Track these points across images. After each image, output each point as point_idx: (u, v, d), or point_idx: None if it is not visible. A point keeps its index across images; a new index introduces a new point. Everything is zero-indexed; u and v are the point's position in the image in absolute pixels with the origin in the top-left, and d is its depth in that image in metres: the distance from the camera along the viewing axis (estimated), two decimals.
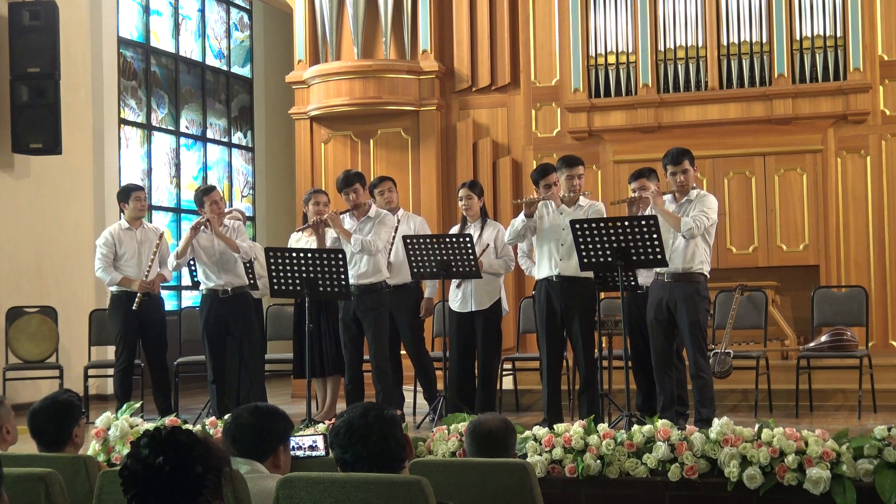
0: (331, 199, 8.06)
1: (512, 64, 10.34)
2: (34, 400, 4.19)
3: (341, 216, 7.44)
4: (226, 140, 13.39)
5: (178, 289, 12.03)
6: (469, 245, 7.06)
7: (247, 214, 13.64)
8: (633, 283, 6.65)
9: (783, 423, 5.45)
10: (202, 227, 7.62)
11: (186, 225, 12.46)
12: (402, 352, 7.86)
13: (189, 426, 5.72)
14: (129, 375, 8.15)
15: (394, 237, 7.68)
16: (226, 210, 7.99)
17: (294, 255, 6.89)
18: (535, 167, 10.13)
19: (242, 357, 7.69)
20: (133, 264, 8.14)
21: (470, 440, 3.86)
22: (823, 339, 8.00)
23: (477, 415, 6.31)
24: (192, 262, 8.65)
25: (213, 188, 8.00)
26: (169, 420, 6.20)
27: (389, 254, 7.64)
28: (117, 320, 8.14)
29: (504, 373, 8.23)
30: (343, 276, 6.79)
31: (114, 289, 8.20)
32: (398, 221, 7.82)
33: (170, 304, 10.95)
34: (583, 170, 7.06)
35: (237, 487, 2.97)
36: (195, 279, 8.89)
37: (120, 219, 10.52)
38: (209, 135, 13.07)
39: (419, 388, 8.12)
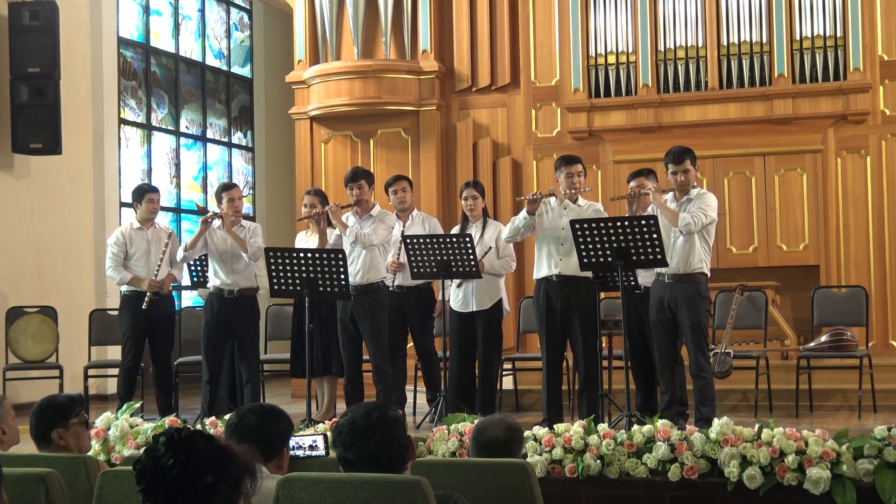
0: (329, 200, 8.05)
1: (512, 64, 10.34)
2: (34, 400, 4.17)
3: (343, 213, 7.45)
4: (226, 140, 13.39)
5: (179, 289, 12.02)
6: (469, 245, 7.06)
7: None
8: (632, 283, 6.66)
9: (783, 423, 5.46)
10: (213, 221, 7.62)
11: (186, 225, 12.47)
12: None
13: (198, 427, 5.72)
14: (134, 375, 8.16)
15: (396, 238, 7.67)
16: (243, 211, 7.96)
17: (294, 255, 6.89)
18: (533, 166, 10.14)
19: (241, 357, 7.68)
20: (143, 264, 8.17)
21: (473, 447, 3.84)
22: (823, 339, 8.00)
23: (477, 414, 6.34)
24: (190, 263, 8.67)
25: (234, 185, 7.99)
26: (169, 420, 6.19)
27: (399, 255, 7.62)
28: (126, 319, 8.16)
29: (504, 373, 8.23)
30: (343, 276, 6.78)
31: (124, 288, 8.24)
32: (412, 221, 7.82)
33: None
34: (581, 168, 7.07)
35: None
36: (195, 279, 8.90)
37: (120, 219, 10.52)
38: (209, 135, 13.07)
39: (420, 388, 8.14)
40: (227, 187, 7.83)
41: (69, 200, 10.43)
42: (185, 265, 8.49)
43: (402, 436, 3.08)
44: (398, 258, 7.60)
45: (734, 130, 9.58)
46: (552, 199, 7.01)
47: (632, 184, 7.11)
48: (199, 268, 8.75)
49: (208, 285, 7.85)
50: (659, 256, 6.25)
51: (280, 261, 6.86)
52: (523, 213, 7.02)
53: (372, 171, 10.21)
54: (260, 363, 8.90)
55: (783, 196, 9.50)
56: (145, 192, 8.40)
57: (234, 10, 13.64)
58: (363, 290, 7.35)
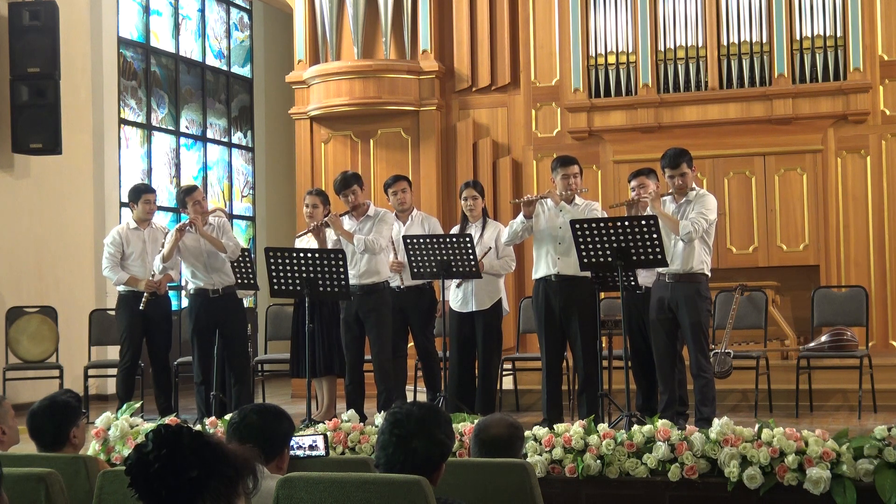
0: (330, 200, 8.05)
1: (512, 64, 10.33)
2: (34, 400, 4.18)
3: (340, 217, 7.44)
4: (226, 140, 13.39)
5: (178, 289, 12.03)
6: (469, 245, 7.06)
7: (247, 214, 13.66)
8: (632, 283, 6.66)
9: (783, 423, 5.46)
10: (187, 229, 7.60)
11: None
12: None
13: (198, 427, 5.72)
14: (133, 375, 8.16)
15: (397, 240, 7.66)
16: (209, 209, 7.94)
17: (294, 255, 6.88)
18: (533, 166, 10.13)
19: (231, 356, 7.66)
20: (139, 264, 8.16)
21: (475, 445, 3.84)
22: (823, 339, 8.00)
23: (477, 414, 6.35)
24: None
25: (195, 188, 7.93)
26: (169, 420, 6.19)
27: (397, 254, 7.62)
28: (123, 320, 8.16)
29: (504, 373, 8.23)
30: (343, 277, 6.78)
31: (121, 288, 8.21)
32: (411, 222, 7.81)
33: None
34: (577, 169, 7.06)
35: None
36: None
37: (120, 219, 10.50)
38: (209, 135, 13.07)
39: (420, 388, 8.14)
40: (189, 191, 7.76)
41: (69, 200, 10.43)
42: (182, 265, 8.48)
43: (433, 462, 3.03)
44: (396, 257, 7.60)
45: (734, 130, 9.58)
46: (548, 199, 7.00)
47: (632, 183, 7.12)
48: None
49: (188, 287, 7.81)
50: (659, 256, 6.25)
51: (280, 261, 6.86)
52: (520, 217, 7.02)
53: (372, 171, 10.26)
54: (258, 363, 8.94)
55: (783, 196, 9.50)
56: (142, 193, 8.38)
57: (234, 10, 13.64)
58: (368, 290, 7.34)
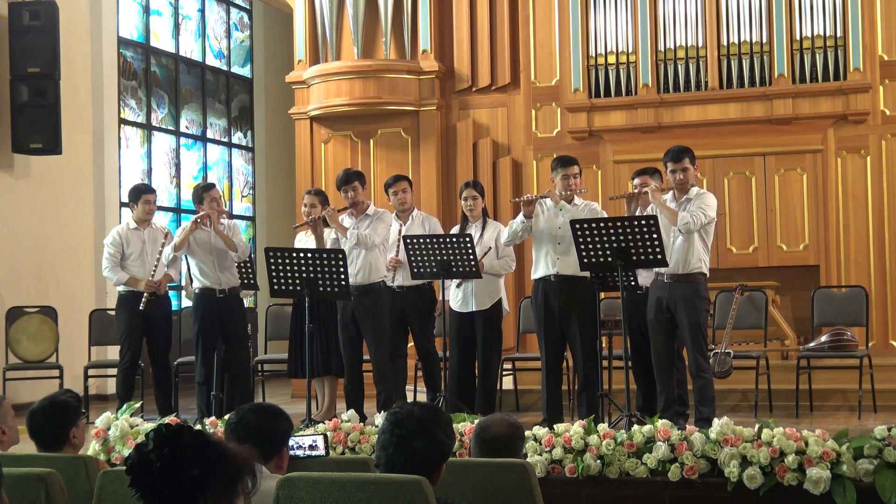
0: (329, 200, 8.05)
1: (512, 64, 10.33)
2: (34, 400, 4.17)
3: (340, 215, 7.44)
4: (226, 140, 13.39)
5: (178, 289, 12.02)
6: (469, 245, 7.06)
7: (247, 214, 13.66)
8: (633, 283, 6.65)
9: (783, 423, 5.46)
10: (202, 223, 7.62)
11: (186, 225, 12.44)
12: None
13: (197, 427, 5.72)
14: (133, 375, 8.16)
15: (398, 239, 7.66)
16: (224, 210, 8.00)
17: (294, 255, 6.88)
18: (533, 166, 10.13)
19: (232, 357, 7.66)
20: (139, 264, 8.17)
21: (475, 444, 3.84)
22: (823, 339, 8.00)
23: (477, 414, 6.35)
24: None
25: (212, 185, 8.03)
26: (169, 420, 6.19)
27: (398, 252, 7.63)
28: (123, 320, 8.16)
29: (504, 373, 8.24)
30: (343, 277, 6.78)
31: (121, 288, 8.22)
32: (412, 222, 7.80)
33: None
34: (578, 169, 7.06)
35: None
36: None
37: (120, 219, 10.50)
38: (209, 135, 13.08)
39: (420, 388, 8.14)
40: (208, 188, 7.82)
41: (69, 200, 10.43)
42: (182, 265, 8.48)
43: (433, 462, 3.03)
44: (397, 254, 7.60)
45: (734, 130, 9.58)
46: (548, 199, 7.01)
47: (635, 181, 7.12)
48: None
49: (194, 286, 7.83)
50: (659, 256, 6.25)
51: (280, 261, 6.86)
52: (520, 217, 7.02)
53: (372, 171, 10.26)
54: (258, 363, 8.95)
55: (783, 196, 9.50)
56: (142, 193, 8.39)
57: (234, 10, 13.65)
58: (364, 290, 7.34)
